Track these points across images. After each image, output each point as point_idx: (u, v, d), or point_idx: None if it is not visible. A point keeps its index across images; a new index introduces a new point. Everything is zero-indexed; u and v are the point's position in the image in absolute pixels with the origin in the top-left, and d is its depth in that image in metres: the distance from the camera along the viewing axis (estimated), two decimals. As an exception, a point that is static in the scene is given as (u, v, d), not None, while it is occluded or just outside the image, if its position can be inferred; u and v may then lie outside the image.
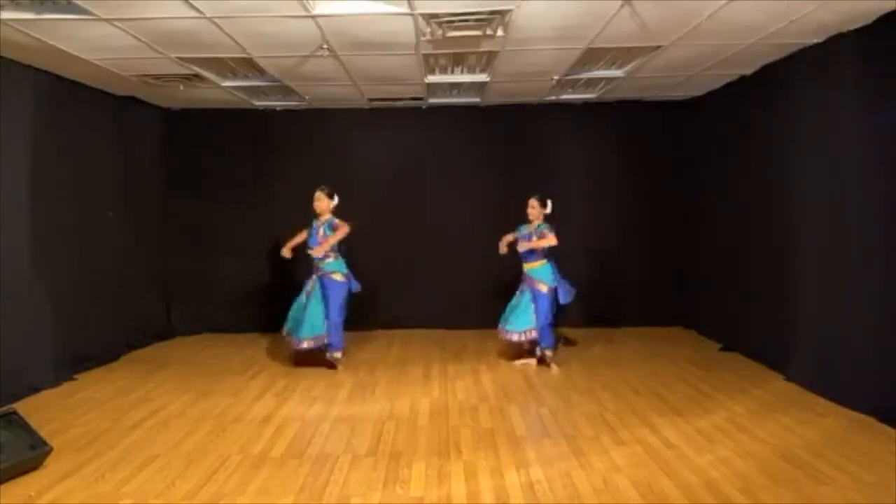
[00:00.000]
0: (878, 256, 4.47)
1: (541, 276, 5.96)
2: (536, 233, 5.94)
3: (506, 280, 7.91)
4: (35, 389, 5.31)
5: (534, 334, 5.95)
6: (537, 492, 3.44)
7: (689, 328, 7.68)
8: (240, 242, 7.93)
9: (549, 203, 5.99)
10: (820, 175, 5.12)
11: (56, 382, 5.56)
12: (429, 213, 7.98)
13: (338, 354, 6.06)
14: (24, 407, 4.35)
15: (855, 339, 4.67)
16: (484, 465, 3.81)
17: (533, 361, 6.14)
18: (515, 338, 6.03)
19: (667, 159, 7.97)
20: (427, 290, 7.99)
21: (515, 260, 6.16)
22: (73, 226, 6.07)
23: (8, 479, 3.58)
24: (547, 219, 6.01)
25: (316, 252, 5.92)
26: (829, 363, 4.97)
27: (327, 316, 5.92)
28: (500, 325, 6.15)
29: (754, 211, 6.21)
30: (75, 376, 5.83)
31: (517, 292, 6.14)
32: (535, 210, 5.99)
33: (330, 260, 5.97)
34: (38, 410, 4.74)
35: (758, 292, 6.13)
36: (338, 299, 5.95)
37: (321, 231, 5.97)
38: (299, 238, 6.24)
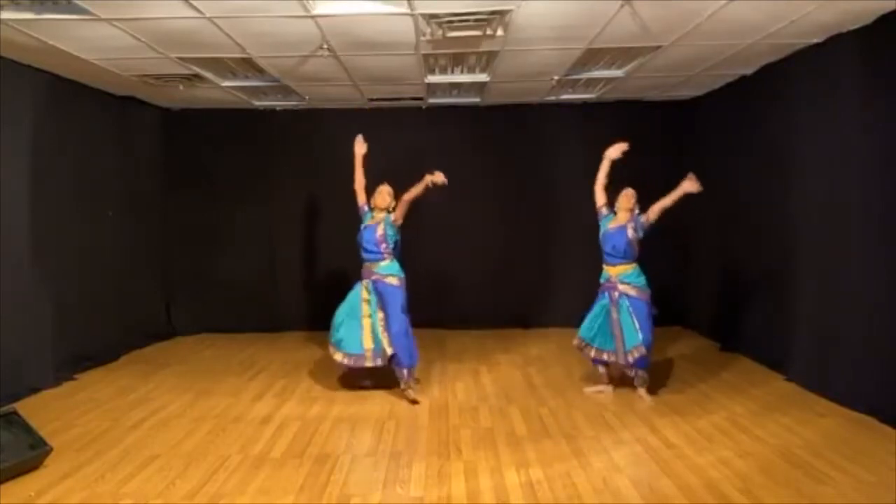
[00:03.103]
0: (878, 256, 4.47)
1: (634, 280, 5.05)
2: (636, 226, 5.04)
3: (506, 279, 7.96)
4: (35, 389, 5.32)
5: (636, 354, 4.89)
6: (537, 492, 3.44)
7: (689, 328, 7.67)
8: (240, 242, 7.94)
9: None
10: (820, 174, 5.12)
11: (56, 382, 5.56)
12: (428, 212, 7.95)
13: (405, 372, 5.13)
14: (24, 407, 4.34)
15: (855, 339, 4.67)
16: (484, 465, 3.81)
17: (610, 388, 5.24)
18: (612, 360, 5.07)
19: (667, 159, 7.94)
20: (426, 289, 7.96)
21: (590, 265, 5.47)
22: (73, 226, 6.07)
23: (8, 479, 3.58)
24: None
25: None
26: (829, 363, 4.97)
27: (387, 328, 5.11)
28: (588, 344, 5.16)
29: (754, 210, 6.21)
30: (75, 376, 5.83)
31: (600, 304, 5.14)
32: (628, 200, 5.10)
33: (385, 262, 5.24)
34: (38, 410, 4.74)
35: (758, 292, 6.13)
36: (397, 305, 5.15)
37: (380, 229, 5.20)
38: (362, 175, 5.44)
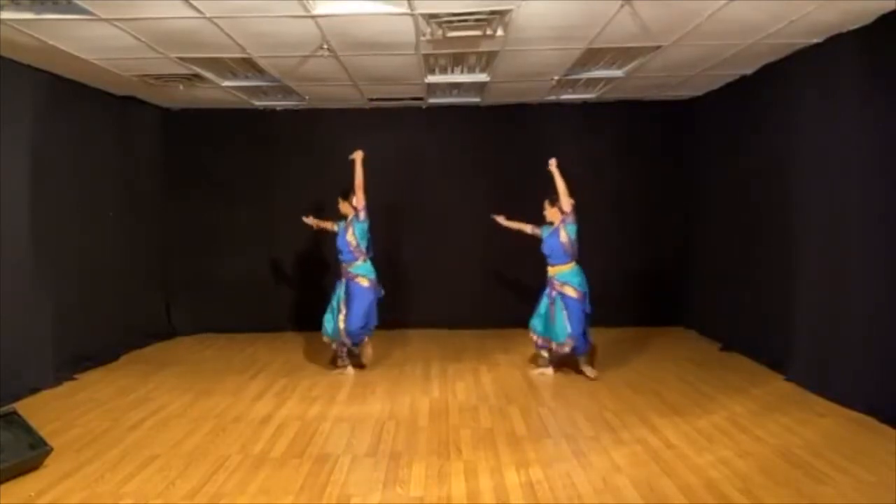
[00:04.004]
0: (878, 256, 4.47)
1: (569, 279, 5.58)
2: (566, 226, 5.53)
3: (505, 279, 7.96)
4: (35, 389, 5.31)
5: (567, 348, 5.56)
6: (537, 492, 3.44)
7: (689, 328, 7.67)
8: (240, 242, 7.94)
9: (562, 200, 5.58)
10: (820, 174, 5.12)
11: (56, 382, 5.56)
12: (428, 212, 7.98)
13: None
14: (24, 407, 4.34)
15: (855, 338, 4.67)
16: (484, 465, 3.81)
17: (550, 370, 5.82)
18: (552, 347, 5.66)
19: (667, 159, 7.97)
20: (427, 289, 7.99)
21: (537, 263, 5.87)
22: (73, 226, 6.07)
23: (8, 479, 3.58)
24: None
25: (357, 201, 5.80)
26: (829, 363, 4.97)
27: (345, 322, 5.75)
28: (534, 333, 5.80)
29: (754, 210, 6.21)
30: (75, 376, 5.83)
31: (544, 298, 5.74)
32: (548, 211, 5.67)
33: (358, 262, 5.85)
34: (38, 410, 4.74)
35: (758, 292, 6.12)
36: (361, 306, 5.78)
37: (349, 233, 5.83)
38: (328, 225, 6.09)
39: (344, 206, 5.90)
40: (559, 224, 5.60)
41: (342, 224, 5.94)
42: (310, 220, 6.19)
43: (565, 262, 5.63)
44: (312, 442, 4.25)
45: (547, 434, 4.36)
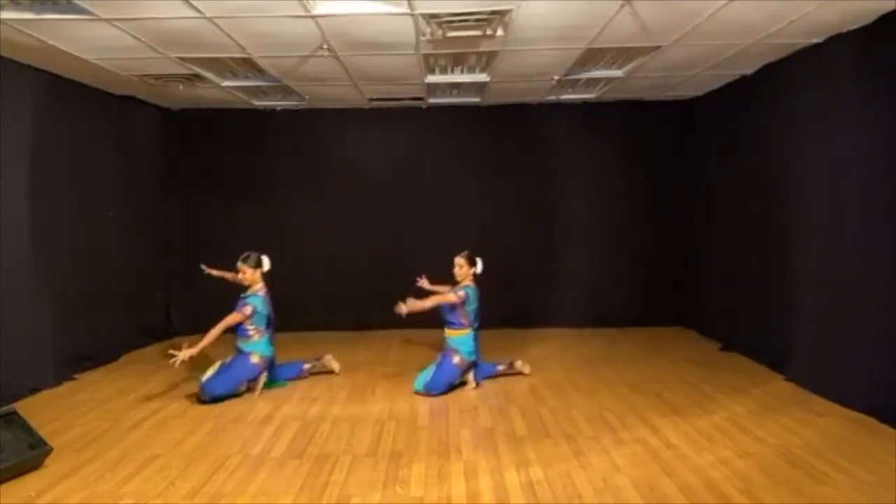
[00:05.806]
0: (878, 256, 4.47)
1: (459, 345, 5.35)
2: (456, 295, 5.33)
3: (505, 280, 7.95)
4: (35, 389, 5.32)
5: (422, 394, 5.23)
6: (537, 492, 3.44)
7: (689, 328, 7.68)
8: (239, 243, 7.89)
9: (478, 262, 5.46)
10: (820, 175, 5.12)
11: (56, 382, 5.56)
12: (428, 212, 7.98)
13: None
14: (24, 407, 4.34)
15: (855, 339, 4.67)
16: (484, 465, 3.81)
17: (525, 367, 5.78)
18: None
19: (667, 159, 7.98)
20: (425, 290, 7.98)
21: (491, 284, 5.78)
22: (73, 226, 6.07)
23: (8, 479, 3.59)
24: (476, 279, 5.50)
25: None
26: (829, 363, 4.97)
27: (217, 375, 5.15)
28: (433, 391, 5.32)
29: (754, 210, 6.21)
30: (75, 376, 5.83)
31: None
32: (463, 269, 5.43)
33: (253, 339, 5.29)
34: (38, 410, 4.75)
35: (758, 292, 6.13)
36: (239, 375, 5.21)
37: (249, 309, 5.27)
38: (229, 276, 5.89)
39: (246, 276, 5.41)
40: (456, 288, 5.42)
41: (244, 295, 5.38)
42: (211, 271, 6.06)
43: (458, 328, 5.41)
44: (312, 442, 4.25)
45: (547, 434, 4.35)
